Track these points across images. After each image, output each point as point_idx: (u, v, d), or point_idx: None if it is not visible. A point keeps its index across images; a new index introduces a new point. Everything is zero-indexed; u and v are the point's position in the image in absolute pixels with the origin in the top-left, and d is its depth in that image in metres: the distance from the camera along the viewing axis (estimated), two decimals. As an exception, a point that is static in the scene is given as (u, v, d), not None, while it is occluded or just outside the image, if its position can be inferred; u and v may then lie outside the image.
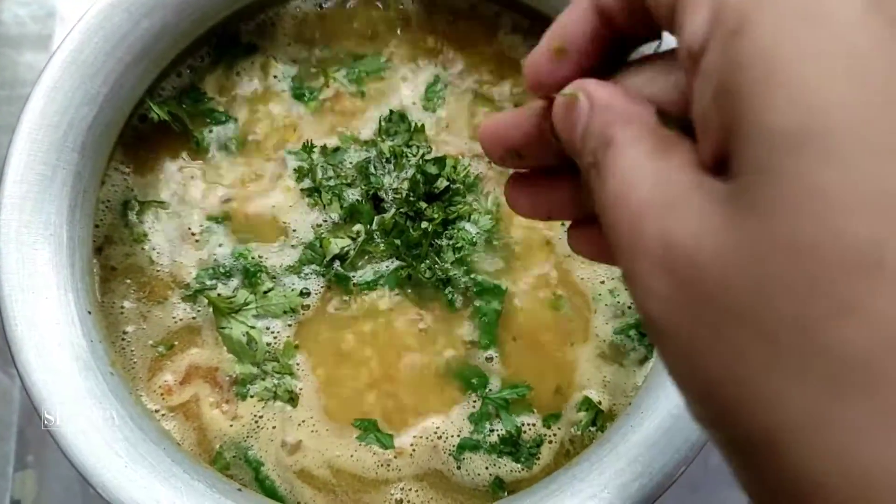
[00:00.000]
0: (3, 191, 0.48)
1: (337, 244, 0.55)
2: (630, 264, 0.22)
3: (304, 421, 0.54)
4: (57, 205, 0.49)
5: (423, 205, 0.56)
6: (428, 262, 0.55)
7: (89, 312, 0.50)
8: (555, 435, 0.54)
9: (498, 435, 0.53)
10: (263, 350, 0.54)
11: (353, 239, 0.56)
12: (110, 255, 0.56)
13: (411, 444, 0.53)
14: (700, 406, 0.22)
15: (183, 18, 0.55)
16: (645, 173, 0.22)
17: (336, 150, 0.58)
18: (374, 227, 0.56)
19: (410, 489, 0.53)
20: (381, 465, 0.53)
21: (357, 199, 0.57)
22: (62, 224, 0.49)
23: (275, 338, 0.55)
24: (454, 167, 0.57)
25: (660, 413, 0.47)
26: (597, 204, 0.24)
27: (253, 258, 0.56)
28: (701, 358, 0.20)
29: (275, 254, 0.57)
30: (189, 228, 0.57)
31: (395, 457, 0.53)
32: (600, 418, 0.54)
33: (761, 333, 0.19)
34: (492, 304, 0.56)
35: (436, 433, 0.54)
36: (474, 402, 0.54)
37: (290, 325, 0.55)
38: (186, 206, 0.57)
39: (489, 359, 0.55)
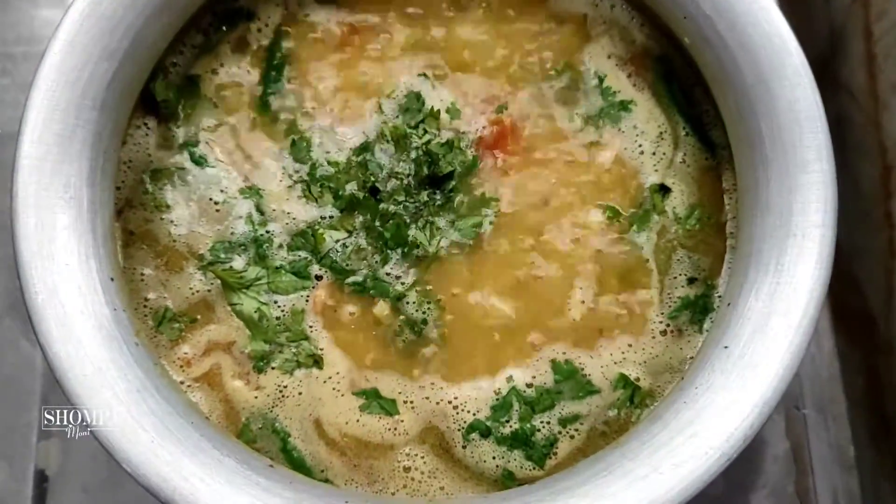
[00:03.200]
0: (20, 152, 0.46)
1: (332, 236, 0.54)
2: None
3: (329, 377, 0.52)
4: (77, 166, 0.47)
5: (424, 196, 0.54)
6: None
7: (112, 279, 0.47)
8: (577, 430, 0.52)
9: (511, 429, 0.52)
10: (274, 325, 0.52)
11: (350, 232, 0.54)
12: (129, 218, 0.54)
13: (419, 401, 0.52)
14: None
15: (205, -32, 0.52)
16: None
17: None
18: (377, 221, 0.54)
19: (416, 455, 0.51)
20: (388, 430, 0.52)
21: (353, 192, 0.54)
22: (82, 186, 0.47)
23: (282, 311, 0.53)
24: (459, 147, 0.55)
25: (715, 387, 0.45)
26: None
27: (267, 231, 0.54)
28: None
29: (280, 234, 0.55)
30: (211, 199, 0.55)
31: (402, 421, 0.52)
32: (638, 395, 0.52)
33: None
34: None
35: (450, 403, 0.52)
36: (498, 390, 0.53)
37: (300, 297, 0.53)
38: (206, 176, 0.55)
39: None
